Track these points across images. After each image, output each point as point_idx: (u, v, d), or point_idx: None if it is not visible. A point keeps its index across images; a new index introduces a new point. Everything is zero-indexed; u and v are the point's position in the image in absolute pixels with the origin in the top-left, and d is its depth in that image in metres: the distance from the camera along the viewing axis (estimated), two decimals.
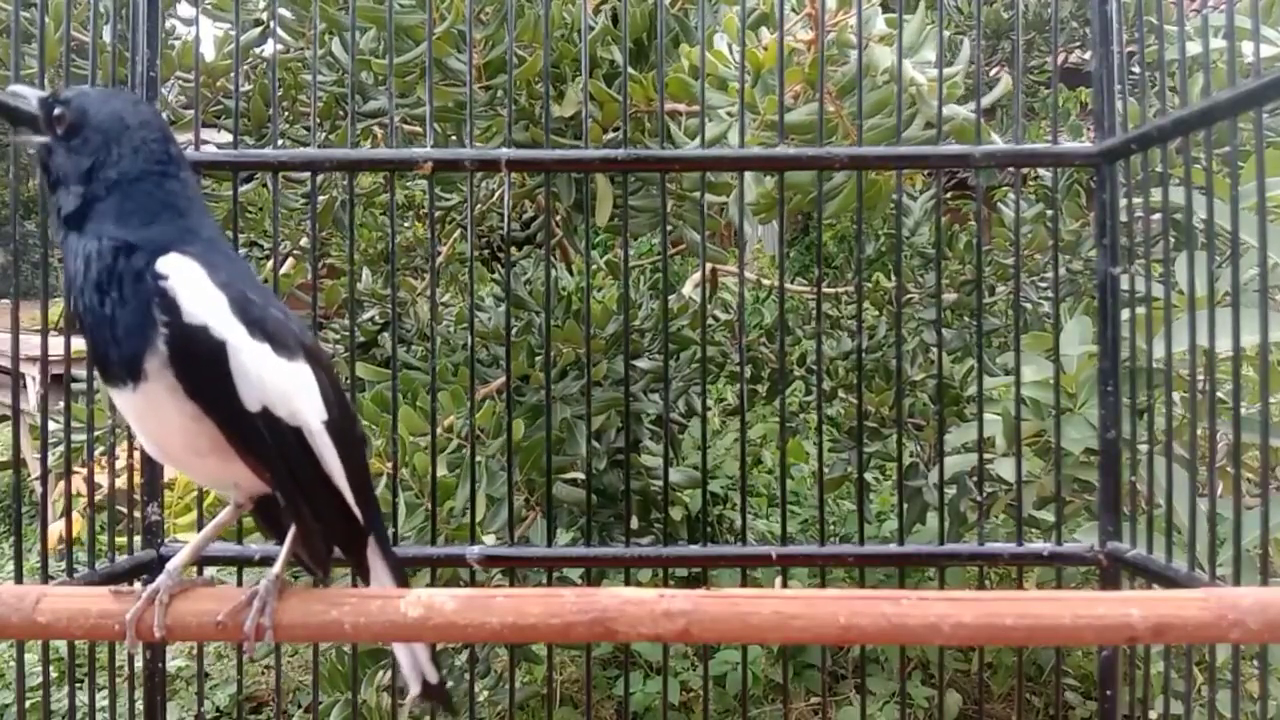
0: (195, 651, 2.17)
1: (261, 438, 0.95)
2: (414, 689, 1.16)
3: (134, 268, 0.92)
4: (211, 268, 0.94)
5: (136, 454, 1.67)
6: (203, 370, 0.92)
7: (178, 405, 0.93)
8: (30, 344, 1.59)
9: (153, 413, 0.95)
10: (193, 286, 0.92)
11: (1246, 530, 1.34)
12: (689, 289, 2.87)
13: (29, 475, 4.83)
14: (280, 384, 0.95)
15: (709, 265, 2.42)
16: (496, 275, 3.40)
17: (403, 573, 1.16)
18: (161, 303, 0.91)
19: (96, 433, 1.54)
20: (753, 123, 1.75)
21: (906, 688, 1.90)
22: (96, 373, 1.03)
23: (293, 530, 1.04)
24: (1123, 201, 1.63)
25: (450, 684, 2.35)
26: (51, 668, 1.57)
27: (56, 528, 1.75)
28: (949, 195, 3.64)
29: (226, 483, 1.04)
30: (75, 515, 1.55)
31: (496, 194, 2.80)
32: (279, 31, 2.36)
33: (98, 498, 1.56)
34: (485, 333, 2.39)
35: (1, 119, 1.35)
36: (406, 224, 3.31)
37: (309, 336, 1.04)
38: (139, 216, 0.96)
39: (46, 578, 1.49)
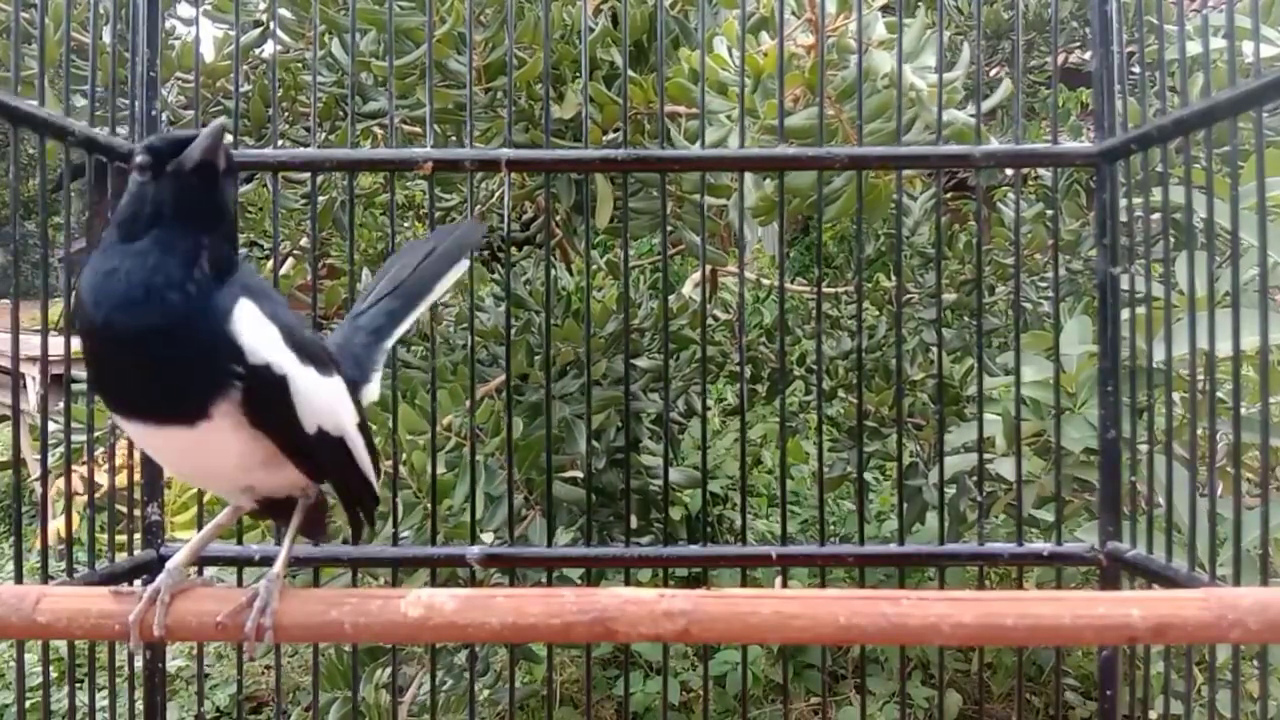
0: (195, 651, 2.17)
1: (314, 452, 1.00)
2: None
3: (202, 306, 0.91)
4: (258, 297, 0.95)
5: (136, 454, 1.67)
6: (270, 407, 0.94)
7: (238, 436, 0.94)
8: (30, 344, 1.59)
9: (206, 447, 0.95)
10: (254, 325, 0.93)
11: (1246, 530, 1.34)
12: (689, 289, 2.87)
13: (29, 475, 4.83)
14: (327, 403, 1.00)
15: (709, 265, 2.42)
16: (496, 275, 3.40)
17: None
18: (230, 346, 0.91)
19: (96, 433, 1.54)
20: (752, 126, 1.75)
21: (906, 688, 1.90)
22: (113, 409, 0.98)
23: (292, 531, 1.07)
24: (1123, 201, 1.63)
25: (450, 683, 2.36)
26: (51, 668, 1.57)
27: (56, 525, 1.75)
28: (949, 195, 3.64)
29: (245, 487, 1.05)
30: (75, 515, 1.55)
31: (496, 195, 2.80)
32: (279, 32, 2.36)
33: (97, 498, 1.56)
34: (485, 332, 2.39)
35: (1, 119, 1.35)
36: (406, 224, 3.31)
37: (323, 340, 1.08)
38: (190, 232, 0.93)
39: (46, 578, 1.49)
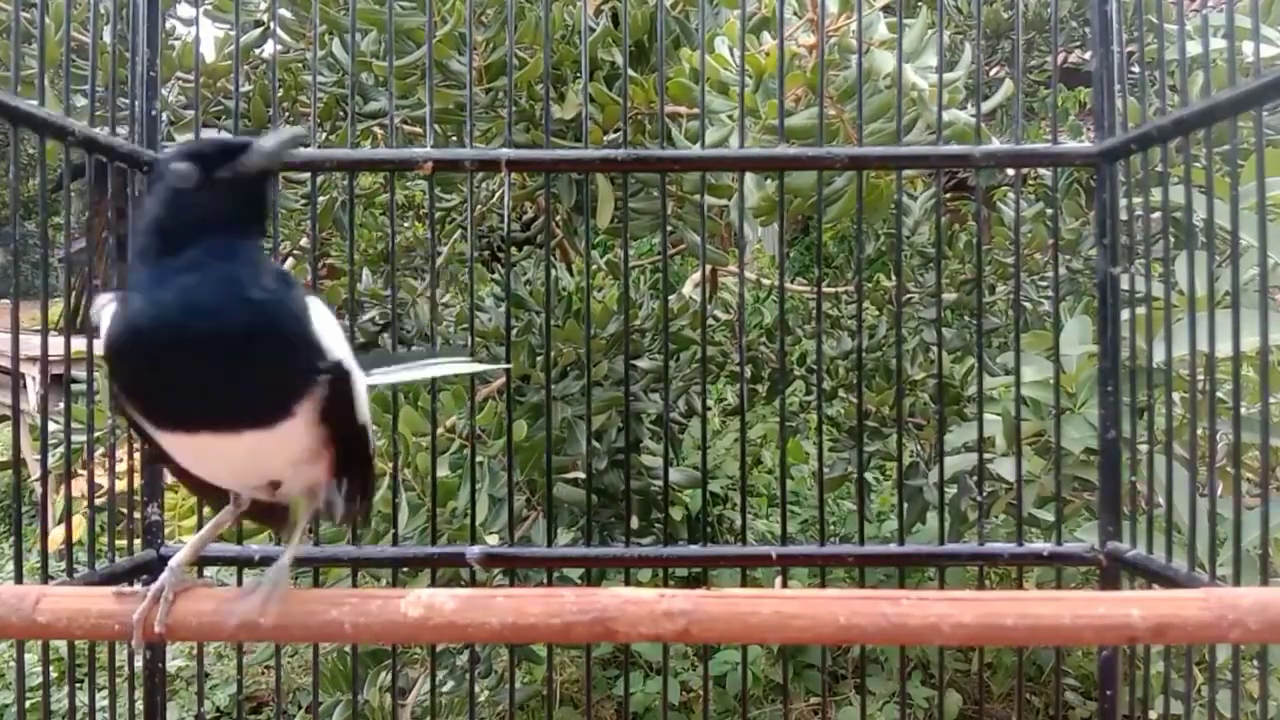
0: (195, 651, 2.17)
1: (350, 444, 1.02)
2: None
3: (283, 308, 0.91)
4: (314, 295, 0.98)
5: (136, 455, 1.67)
6: (343, 403, 0.97)
7: (308, 433, 0.95)
8: (30, 344, 1.59)
9: (276, 446, 0.94)
10: (327, 324, 0.95)
11: (1246, 530, 1.34)
12: (689, 289, 2.87)
13: (29, 476, 4.83)
14: (365, 397, 1.04)
15: (709, 265, 2.42)
16: (496, 275, 3.40)
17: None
18: (315, 345, 0.92)
19: (96, 433, 1.54)
20: (753, 126, 1.75)
21: (906, 688, 1.90)
22: (169, 427, 0.93)
23: (301, 528, 1.10)
24: (1123, 201, 1.63)
25: (450, 684, 2.36)
26: (51, 668, 1.57)
27: (58, 532, 1.75)
28: (949, 195, 3.64)
29: (271, 483, 1.04)
30: (75, 516, 1.55)
31: (496, 195, 2.80)
32: (279, 32, 2.36)
33: (98, 498, 1.56)
34: (485, 332, 2.39)
35: (1, 119, 1.35)
36: (406, 224, 3.31)
37: None
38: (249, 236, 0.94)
39: (46, 578, 1.49)
